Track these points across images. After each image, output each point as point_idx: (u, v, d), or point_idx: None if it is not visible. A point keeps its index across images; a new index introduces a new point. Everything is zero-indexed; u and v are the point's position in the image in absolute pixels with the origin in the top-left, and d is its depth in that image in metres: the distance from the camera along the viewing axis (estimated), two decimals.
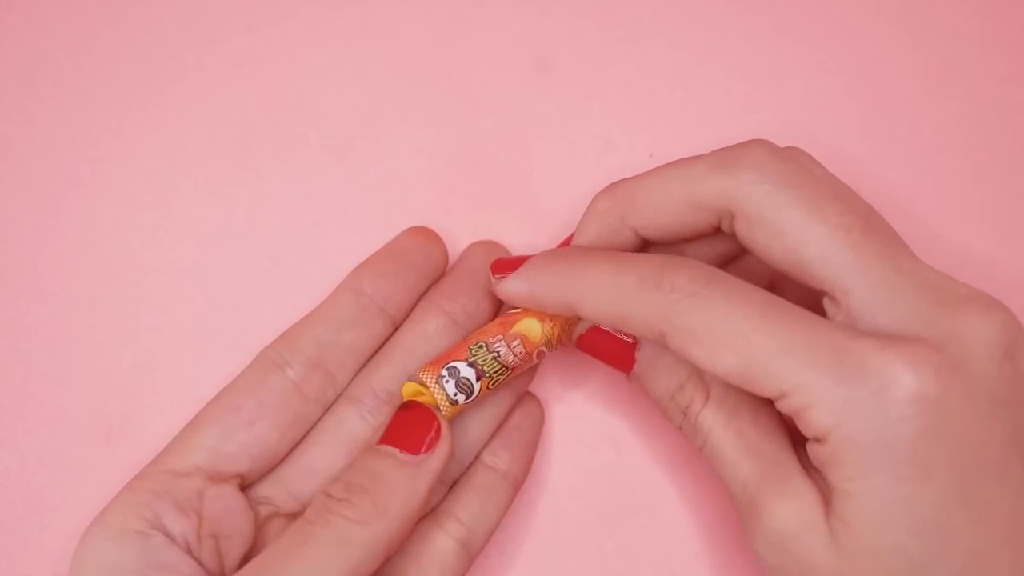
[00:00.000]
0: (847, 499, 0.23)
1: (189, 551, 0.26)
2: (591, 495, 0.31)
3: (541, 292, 0.27)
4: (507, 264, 0.28)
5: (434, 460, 0.26)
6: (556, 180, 0.33)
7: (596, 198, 0.29)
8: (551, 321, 0.28)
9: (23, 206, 0.32)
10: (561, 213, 0.32)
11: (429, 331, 0.29)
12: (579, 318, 0.28)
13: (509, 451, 0.30)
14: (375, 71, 0.34)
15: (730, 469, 0.26)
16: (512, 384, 0.30)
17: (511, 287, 0.28)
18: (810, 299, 0.25)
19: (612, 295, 0.26)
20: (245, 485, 0.28)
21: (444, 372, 0.27)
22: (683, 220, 0.27)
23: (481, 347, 0.27)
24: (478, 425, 0.29)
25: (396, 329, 0.30)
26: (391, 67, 0.34)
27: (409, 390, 0.28)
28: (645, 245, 0.28)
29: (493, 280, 0.29)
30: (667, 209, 0.27)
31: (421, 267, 0.30)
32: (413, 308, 0.30)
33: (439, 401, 0.27)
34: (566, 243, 0.29)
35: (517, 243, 0.32)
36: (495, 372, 0.27)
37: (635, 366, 0.28)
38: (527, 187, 0.33)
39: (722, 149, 0.26)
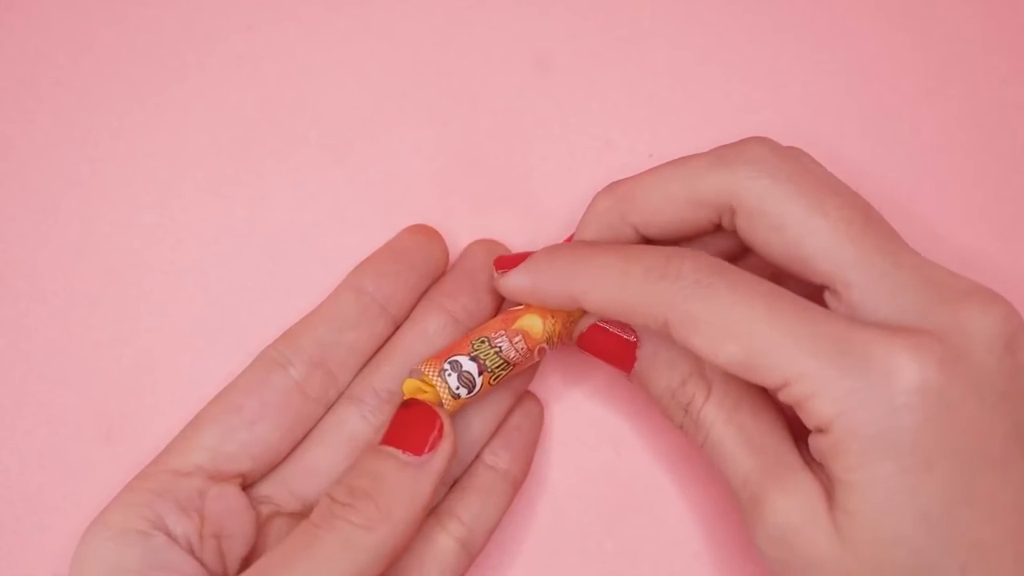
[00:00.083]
0: (850, 490, 0.23)
1: (191, 551, 0.26)
2: (591, 495, 0.31)
3: (544, 285, 0.27)
4: (510, 260, 0.28)
5: (437, 460, 0.26)
6: (556, 180, 0.33)
7: (596, 197, 0.29)
8: (553, 318, 0.28)
9: (23, 206, 0.32)
10: (561, 213, 0.32)
11: (430, 330, 0.29)
12: (580, 315, 0.28)
13: (509, 451, 0.30)
14: (375, 71, 0.34)
15: (731, 465, 0.26)
16: (512, 384, 0.30)
17: (514, 281, 0.28)
18: (811, 296, 0.25)
19: (616, 285, 0.26)
20: (247, 484, 0.28)
21: (446, 366, 0.27)
22: (684, 217, 0.27)
23: (483, 342, 0.27)
24: (478, 424, 0.29)
25: (397, 328, 0.30)
26: (391, 67, 0.34)
27: (409, 387, 0.28)
28: (646, 244, 0.28)
29: (496, 276, 0.29)
30: (667, 206, 0.27)
31: (422, 266, 0.30)
32: (414, 307, 0.30)
33: (441, 394, 0.27)
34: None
35: (517, 243, 0.32)
36: (497, 367, 0.27)
37: (636, 364, 0.28)
38: (527, 187, 0.33)
39: (722, 146, 0.27)
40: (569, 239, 0.29)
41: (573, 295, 0.27)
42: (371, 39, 0.34)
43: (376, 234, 0.31)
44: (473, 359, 0.27)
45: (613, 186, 0.28)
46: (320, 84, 0.33)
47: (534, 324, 0.28)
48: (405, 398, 0.28)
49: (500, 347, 0.27)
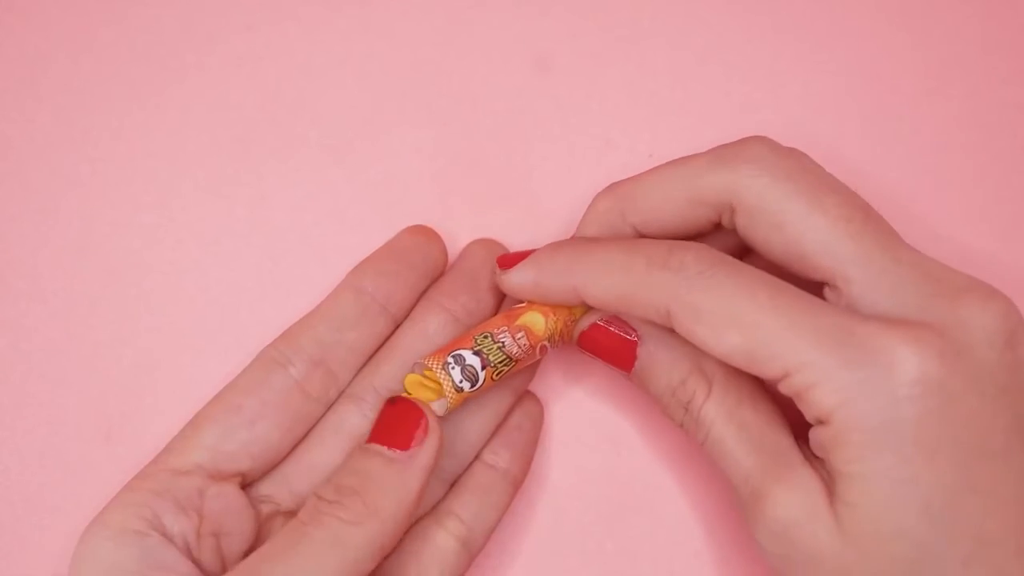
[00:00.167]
0: (851, 482, 0.23)
1: (188, 550, 0.26)
2: (591, 494, 0.31)
3: (547, 279, 0.27)
4: (512, 258, 0.28)
5: (424, 455, 0.26)
6: (556, 180, 0.33)
7: (596, 198, 0.29)
8: (555, 315, 0.28)
9: (23, 206, 0.32)
10: (561, 213, 0.32)
11: (430, 330, 0.29)
12: (582, 314, 0.28)
13: (509, 450, 0.30)
14: (375, 71, 0.34)
15: (732, 462, 0.26)
16: (512, 383, 0.30)
17: (517, 277, 0.28)
18: (811, 293, 0.25)
19: (618, 276, 0.26)
20: (246, 484, 0.28)
21: (450, 359, 0.27)
22: (684, 216, 0.27)
23: (486, 337, 0.28)
24: (478, 424, 0.29)
25: (396, 327, 0.30)
26: (391, 67, 0.34)
27: (411, 381, 0.28)
28: None
29: (498, 273, 0.29)
30: (667, 206, 0.27)
31: (421, 265, 0.30)
32: (414, 306, 0.30)
33: (444, 387, 0.27)
34: None
35: (517, 243, 0.32)
36: (500, 362, 0.27)
37: (636, 363, 0.28)
38: (527, 187, 0.33)
39: (721, 146, 0.27)
40: None
41: (576, 288, 0.27)
42: (371, 39, 0.34)
43: (376, 234, 0.31)
44: (476, 353, 0.27)
45: (613, 186, 0.29)
46: (320, 84, 0.33)
47: (536, 321, 0.28)
48: (401, 394, 0.28)
49: (503, 342, 0.27)
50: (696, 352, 0.27)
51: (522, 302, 0.29)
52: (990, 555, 0.23)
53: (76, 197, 0.32)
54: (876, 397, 0.23)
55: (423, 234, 0.31)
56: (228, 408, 0.28)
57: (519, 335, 0.28)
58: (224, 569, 0.27)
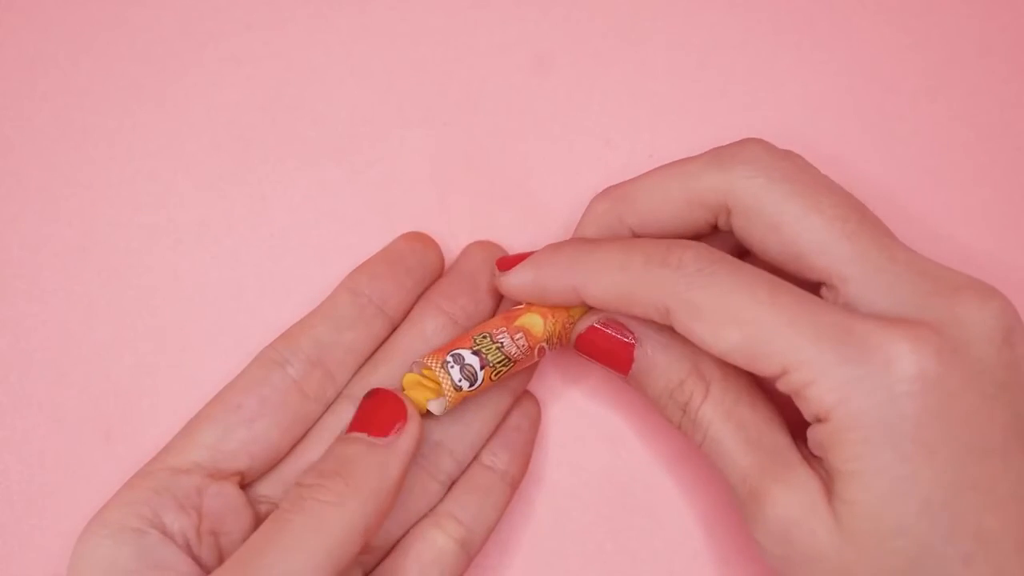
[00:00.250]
0: (850, 479, 0.23)
1: (188, 548, 0.26)
2: (591, 495, 0.31)
3: (546, 279, 0.28)
4: (511, 260, 0.29)
5: (404, 440, 0.26)
6: (556, 180, 0.33)
7: (594, 200, 0.29)
8: (553, 317, 0.28)
9: (23, 206, 0.32)
10: (561, 213, 0.32)
11: (428, 331, 0.29)
12: (580, 315, 0.28)
13: (508, 451, 0.30)
14: (375, 71, 0.34)
15: (731, 462, 0.26)
16: (510, 385, 0.30)
17: (516, 278, 0.28)
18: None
19: (617, 275, 0.26)
20: (245, 483, 0.28)
21: (449, 358, 0.27)
22: (681, 218, 0.27)
23: (485, 337, 0.28)
24: (476, 426, 0.29)
25: (394, 330, 0.30)
26: (391, 67, 0.34)
27: (409, 380, 0.28)
28: None
29: (497, 275, 0.29)
30: (664, 208, 0.27)
31: (417, 269, 0.30)
32: (411, 309, 0.30)
33: (443, 386, 0.27)
34: None
35: (517, 243, 0.32)
36: (498, 362, 0.27)
37: (633, 365, 0.28)
38: (527, 187, 0.33)
39: (717, 147, 0.27)
40: None
41: (575, 288, 0.27)
42: (371, 39, 0.34)
43: (376, 234, 0.31)
44: (475, 353, 0.27)
45: (610, 189, 0.29)
46: (320, 84, 0.33)
47: (535, 322, 0.28)
48: (395, 391, 0.28)
49: (502, 342, 0.28)
50: (693, 353, 0.27)
51: (521, 304, 0.29)
52: (989, 552, 0.23)
53: (76, 197, 0.32)
54: (874, 394, 0.23)
55: (419, 240, 0.31)
56: (227, 407, 0.28)
57: (518, 336, 0.28)
58: None
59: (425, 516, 0.29)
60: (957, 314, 0.24)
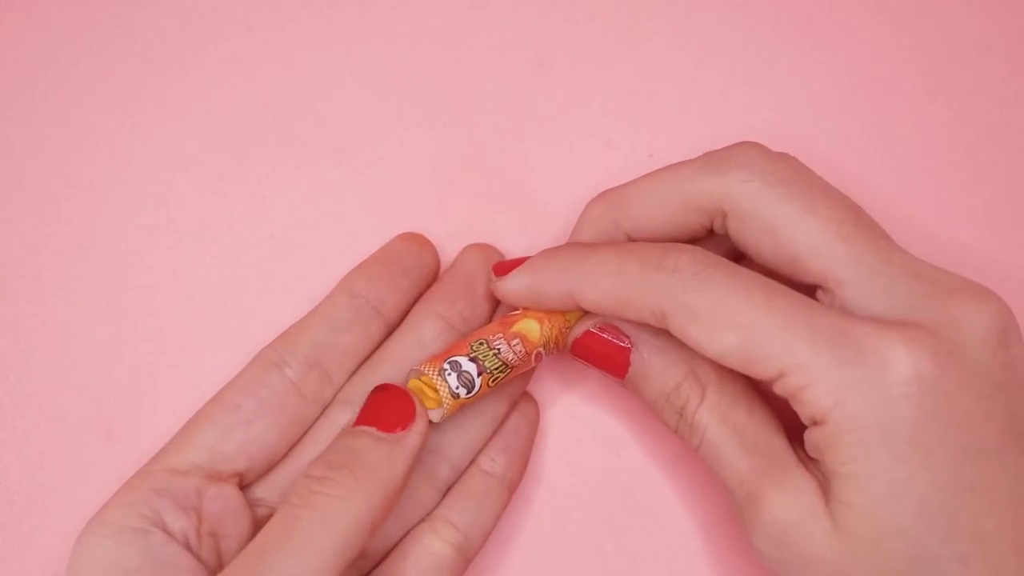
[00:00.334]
0: (846, 482, 0.23)
1: (189, 548, 0.26)
2: (591, 495, 0.31)
3: (543, 284, 0.28)
4: (508, 265, 0.29)
5: (412, 436, 0.26)
6: (556, 180, 0.33)
7: (589, 204, 0.29)
8: (550, 322, 0.28)
9: (23, 206, 0.32)
10: (561, 213, 0.32)
11: (426, 336, 0.29)
12: (577, 319, 0.28)
13: (506, 455, 0.30)
14: (375, 71, 0.34)
15: (727, 465, 0.26)
16: (507, 390, 0.30)
17: (513, 283, 0.28)
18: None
19: (613, 279, 0.26)
20: (243, 485, 0.28)
21: (446, 365, 0.27)
22: (676, 222, 0.27)
23: (482, 344, 0.28)
24: (473, 431, 0.29)
25: (391, 331, 0.30)
26: (391, 67, 0.34)
27: (412, 388, 0.28)
28: None
29: (493, 280, 0.29)
30: (660, 211, 0.27)
31: (414, 270, 0.30)
32: (407, 311, 0.30)
33: (440, 394, 0.27)
34: None
35: (517, 243, 0.32)
36: (496, 369, 0.27)
37: (630, 369, 0.28)
38: (527, 187, 0.33)
39: (712, 151, 0.27)
40: None
41: (571, 292, 0.27)
42: (371, 39, 0.34)
43: (376, 235, 0.31)
44: (472, 360, 0.27)
45: (605, 193, 0.29)
46: (320, 84, 0.33)
47: (531, 328, 0.28)
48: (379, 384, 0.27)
49: (499, 349, 0.27)
50: (690, 357, 0.27)
51: (517, 309, 0.29)
52: (986, 553, 0.23)
53: (76, 197, 0.32)
54: (871, 397, 0.23)
55: (415, 241, 0.31)
56: (226, 408, 0.28)
57: (515, 342, 0.28)
58: (222, 570, 0.27)
59: (422, 521, 0.29)
60: (953, 316, 0.24)
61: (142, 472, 0.27)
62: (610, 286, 0.26)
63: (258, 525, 0.28)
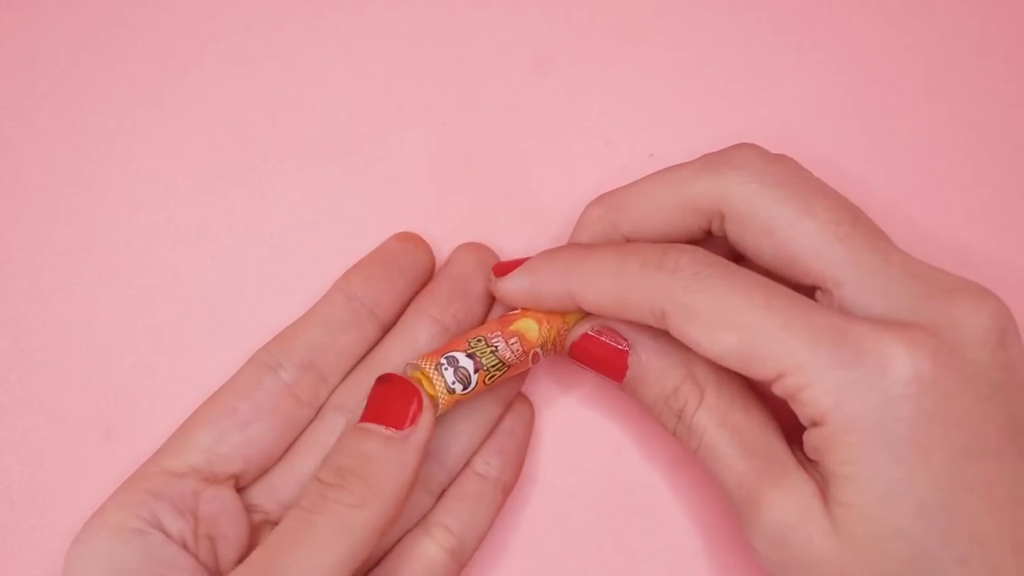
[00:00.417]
0: (845, 483, 0.23)
1: (186, 550, 0.26)
2: (591, 495, 0.31)
3: (542, 285, 0.28)
4: (507, 266, 0.29)
5: (420, 432, 0.26)
6: (556, 180, 0.33)
7: (587, 207, 0.29)
8: (548, 323, 0.28)
9: (23, 206, 0.32)
10: (561, 213, 0.32)
11: (419, 339, 0.29)
12: (575, 321, 0.28)
13: (501, 457, 0.30)
14: (375, 71, 0.34)
15: (726, 468, 0.26)
16: (501, 392, 0.30)
17: (512, 284, 0.28)
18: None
19: (613, 279, 0.26)
20: (239, 487, 0.28)
21: (443, 360, 0.27)
22: (674, 224, 0.27)
23: (480, 341, 0.28)
24: (468, 434, 0.29)
25: (385, 331, 0.30)
26: (391, 67, 0.34)
27: None
28: None
29: (493, 280, 0.29)
30: (658, 214, 0.27)
31: (410, 270, 0.30)
32: (403, 310, 0.30)
33: (436, 388, 0.27)
34: None
35: (517, 243, 0.32)
36: (492, 366, 0.27)
37: (628, 372, 0.28)
38: (527, 187, 0.33)
39: (710, 153, 0.27)
40: None
41: (571, 292, 0.27)
42: (371, 39, 0.34)
43: (376, 235, 0.31)
44: (470, 356, 0.27)
45: (603, 196, 0.29)
46: (320, 84, 0.33)
47: (530, 328, 0.28)
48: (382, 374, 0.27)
49: (496, 346, 0.27)
50: (688, 359, 0.27)
51: (516, 310, 0.29)
52: (985, 553, 0.23)
53: (76, 197, 0.32)
54: (870, 397, 0.23)
55: (411, 240, 0.31)
56: (222, 411, 0.28)
57: (512, 341, 0.28)
58: (219, 573, 0.27)
59: (416, 525, 0.29)
60: (952, 316, 0.24)
61: (138, 474, 0.27)
62: (610, 286, 0.26)
63: (254, 529, 0.28)
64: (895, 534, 0.23)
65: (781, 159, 0.26)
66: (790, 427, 0.26)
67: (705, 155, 0.27)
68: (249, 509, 0.28)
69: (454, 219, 0.32)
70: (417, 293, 0.30)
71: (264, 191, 0.33)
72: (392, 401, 0.26)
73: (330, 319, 0.29)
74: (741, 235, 0.26)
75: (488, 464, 0.30)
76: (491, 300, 0.30)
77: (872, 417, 0.23)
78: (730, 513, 0.31)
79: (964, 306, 0.24)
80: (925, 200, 0.33)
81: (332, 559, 0.24)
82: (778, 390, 0.24)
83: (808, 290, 0.25)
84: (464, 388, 0.27)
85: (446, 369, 0.27)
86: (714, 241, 0.28)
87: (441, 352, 0.27)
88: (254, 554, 0.25)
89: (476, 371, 0.27)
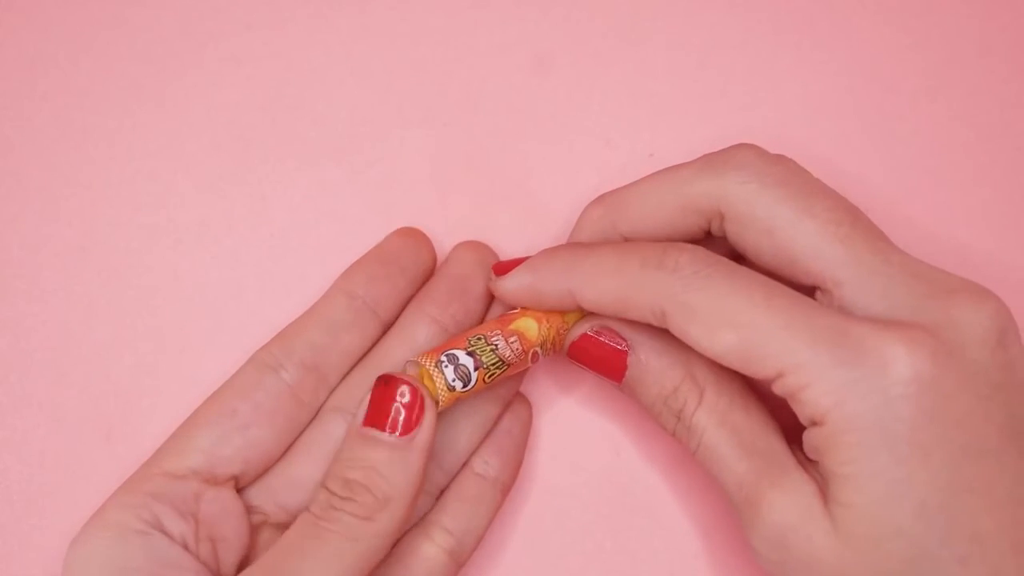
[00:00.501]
0: (845, 483, 0.23)
1: (189, 551, 0.26)
2: (591, 495, 0.31)
3: (543, 283, 0.28)
4: (507, 265, 0.29)
5: (423, 433, 0.26)
6: (556, 180, 0.33)
7: (587, 207, 0.29)
8: (548, 323, 0.28)
9: (23, 206, 0.32)
10: (561, 213, 0.32)
11: (418, 340, 0.29)
12: (575, 321, 0.28)
13: (499, 457, 0.30)
14: (375, 71, 0.34)
15: (726, 468, 0.26)
16: (499, 392, 0.30)
17: (513, 282, 0.28)
18: None
19: (614, 278, 0.26)
20: (239, 487, 0.28)
21: (443, 358, 0.27)
22: (674, 224, 0.27)
23: (480, 339, 0.28)
24: (466, 435, 0.29)
25: (386, 329, 0.30)
26: (391, 67, 0.34)
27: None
28: None
29: (493, 279, 0.29)
30: (657, 214, 0.27)
31: (411, 268, 0.30)
32: (403, 308, 0.30)
33: (436, 386, 0.27)
34: None
35: (517, 243, 0.32)
36: (492, 364, 0.27)
37: (627, 372, 0.28)
38: (527, 187, 0.33)
39: (710, 153, 0.27)
40: None
41: (571, 291, 0.27)
42: (371, 39, 0.34)
43: (376, 235, 0.31)
44: (470, 354, 0.27)
45: (603, 196, 0.29)
46: (320, 84, 0.33)
47: (530, 326, 0.28)
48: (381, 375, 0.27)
49: (496, 345, 0.27)
50: (687, 359, 0.27)
51: (516, 309, 0.29)
52: (985, 553, 0.23)
53: (76, 197, 0.32)
54: (870, 397, 0.23)
55: (412, 236, 0.31)
56: (222, 412, 0.28)
57: (512, 339, 0.28)
58: (220, 574, 0.27)
59: (414, 526, 0.29)
60: (952, 316, 0.24)
61: (139, 475, 0.27)
62: (610, 285, 0.26)
63: (252, 531, 0.28)
64: (895, 534, 0.23)
65: (781, 159, 0.26)
66: (790, 427, 0.26)
67: (705, 155, 0.27)
68: (248, 510, 0.28)
69: (454, 219, 0.32)
70: (418, 290, 0.30)
71: (264, 191, 0.33)
72: (395, 404, 0.26)
73: (332, 320, 0.29)
74: (741, 235, 0.26)
75: (487, 464, 0.30)
76: (490, 299, 0.30)
77: (872, 417, 0.23)
78: (730, 513, 0.31)
79: (964, 306, 0.24)
80: (925, 200, 0.33)
81: (343, 568, 0.25)
82: (778, 389, 0.24)
83: (808, 290, 0.25)
84: (464, 386, 0.27)
85: (446, 367, 0.27)
86: (714, 241, 0.28)
87: (441, 350, 0.27)
88: (265, 557, 0.25)
89: (476, 369, 0.27)
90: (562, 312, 0.28)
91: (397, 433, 0.26)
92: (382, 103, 0.33)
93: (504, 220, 0.33)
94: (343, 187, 0.33)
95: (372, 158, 0.33)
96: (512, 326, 0.28)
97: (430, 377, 0.27)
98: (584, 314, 0.28)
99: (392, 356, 0.29)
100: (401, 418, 0.26)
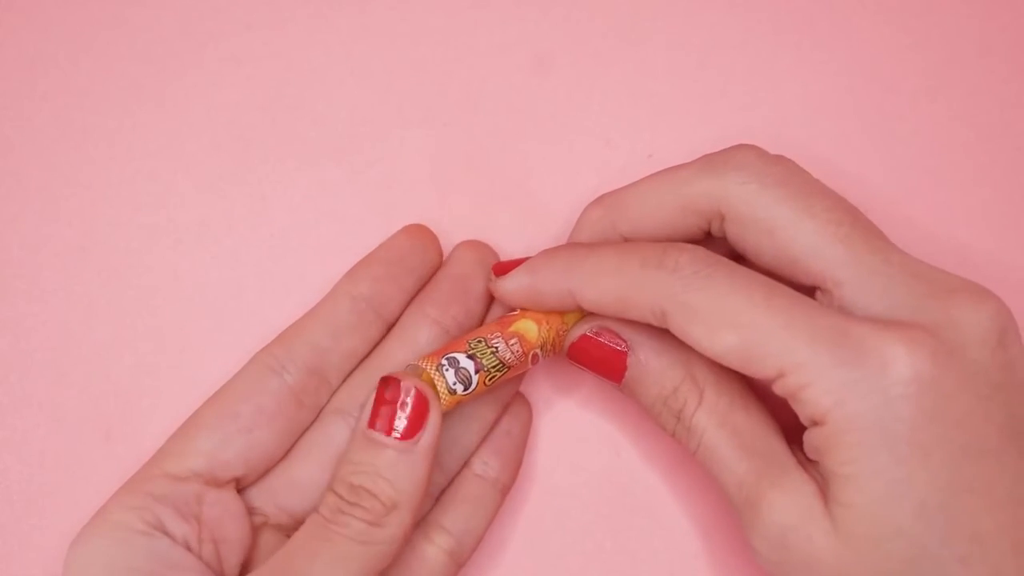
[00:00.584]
0: (846, 483, 0.23)
1: (191, 553, 0.26)
2: (591, 495, 0.31)
3: (542, 283, 0.28)
4: (507, 266, 0.29)
5: (428, 435, 0.26)
6: (556, 180, 0.33)
7: (587, 208, 0.29)
8: (547, 324, 0.28)
9: (23, 206, 0.32)
10: (561, 213, 0.32)
11: (420, 342, 0.29)
12: (575, 321, 0.28)
13: (499, 458, 0.30)
14: (375, 71, 0.34)
15: (726, 469, 0.26)
16: (498, 393, 0.30)
17: (513, 283, 0.28)
18: None
19: (614, 278, 0.26)
20: (240, 488, 0.28)
21: (444, 361, 0.27)
22: (673, 225, 0.27)
23: (480, 342, 0.28)
24: (466, 436, 0.29)
25: (388, 329, 0.30)
26: (391, 67, 0.34)
27: None
28: None
29: (493, 280, 0.29)
30: (657, 214, 0.27)
31: (418, 270, 0.30)
32: (405, 308, 0.30)
33: (438, 389, 0.27)
34: None
35: (517, 243, 0.32)
36: (493, 367, 0.27)
37: (626, 373, 0.28)
38: (527, 187, 0.33)
39: (709, 154, 0.27)
40: None
41: (571, 291, 0.27)
42: (371, 39, 0.34)
43: (376, 234, 0.31)
44: (470, 357, 0.27)
45: (603, 197, 0.29)
46: (320, 84, 0.33)
47: (529, 328, 0.28)
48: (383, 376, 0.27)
49: (496, 347, 0.27)
50: (687, 360, 0.27)
51: (515, 311, 0.29)
52: (986, 553, 0.23)
53: (76, 197, 0.32)
54: (870, 397, 0.23)
55: (420, 236, 0.31)
56: (224, 415, 0.28)
57: (512, 342, 0.28)
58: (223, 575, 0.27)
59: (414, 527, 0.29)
60: (952, 316, 0.24)
61: (140, 476, 0.27)
62: (610, 285, 0.26)
63: (255, 533, 0.28)
64: (895, 534, 0.23)
65: (780, 160, 0.26)
66: (790, 427, 0.26)
67: (705, 156, 0.27)
68: (249, 511, 0.28)
69: (454, 219, 0.32)
70: (422, 288, 0.30)
71: (264, 191, 0.33)
72: (399, 406, 0.26)
73: (335, 322, 0.29)
74: (741, 235, 0.26)
75: (486, 465, 0.30)
76: (490, 300, 0.30)
77: (872, 417, 0.23)
78: (730, 513, 0.31)
79: (964, 306, 0.24)
80: (925, 200, 0.33)
81: (352, 572, 0.25)
82: (778, 389, 0.24)
83: (808, 290, 0.25)
84: (465, 389, 0.27)
85: (447, 370, 0.27)
86: (714, 241, 0.28)
87: (442, 353, 0.27)
88: (274, 558, 0.25)
89: (477, 372, 0.27)
90: (561, 314, 0.28)
91: (401, 436, 0.26)
92: (382, 103, 0.33)
93: (504, 220, 0.33)
94: (343, 187, 0.33)
95: (372, 158, 0.33)
96: (512, 328, 0.28)
97: (431, 380, 0.27)
98: (583, 316, 0.28)
99: (393, 358, 0.29)
100: (405, 421, 0.26)
